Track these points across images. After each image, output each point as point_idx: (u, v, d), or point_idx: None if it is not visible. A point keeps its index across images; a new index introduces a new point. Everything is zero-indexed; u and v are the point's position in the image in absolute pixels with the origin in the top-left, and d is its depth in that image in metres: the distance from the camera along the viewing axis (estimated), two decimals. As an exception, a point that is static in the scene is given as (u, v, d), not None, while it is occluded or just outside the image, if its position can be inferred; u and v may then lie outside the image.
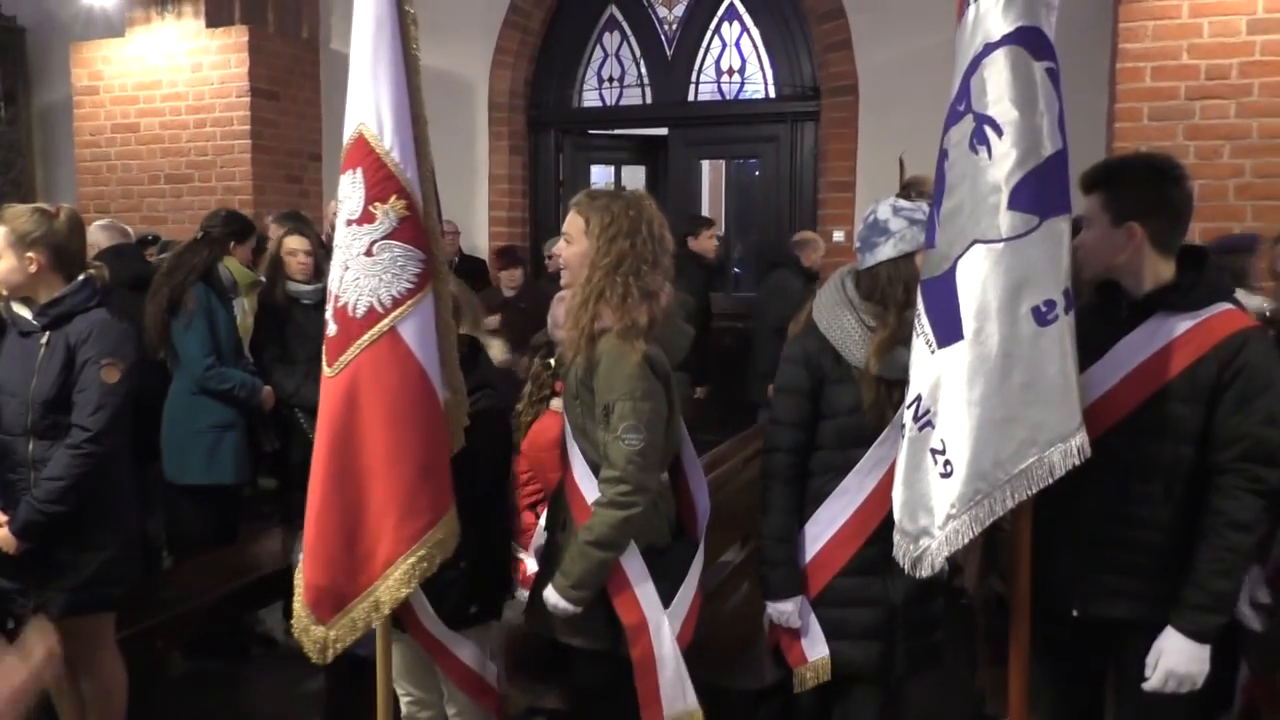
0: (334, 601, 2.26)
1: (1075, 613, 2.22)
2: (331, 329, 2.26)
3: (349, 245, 2.21)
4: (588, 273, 2.37)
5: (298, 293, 4.30)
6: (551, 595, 2.37)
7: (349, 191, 2.22)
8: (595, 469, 2.38)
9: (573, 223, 2.44)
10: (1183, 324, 2.10)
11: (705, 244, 6.08)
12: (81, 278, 2.82)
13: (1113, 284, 2.21)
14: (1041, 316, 1.96)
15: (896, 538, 2.15)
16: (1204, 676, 2.07)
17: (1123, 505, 2.15)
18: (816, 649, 2.41)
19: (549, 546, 2.53)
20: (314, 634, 2.29)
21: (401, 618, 2.50)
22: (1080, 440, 1.97)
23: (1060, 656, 2.35)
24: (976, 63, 2.01)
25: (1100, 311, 2.20)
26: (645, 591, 2.38)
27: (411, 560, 2.20)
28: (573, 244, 2.44)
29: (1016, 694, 2.24)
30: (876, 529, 2.34)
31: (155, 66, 6.96)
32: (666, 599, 2.40)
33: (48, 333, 2.76)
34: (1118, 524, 2.16)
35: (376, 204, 2.18)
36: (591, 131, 7.55)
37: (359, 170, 2.20)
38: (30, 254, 2.75)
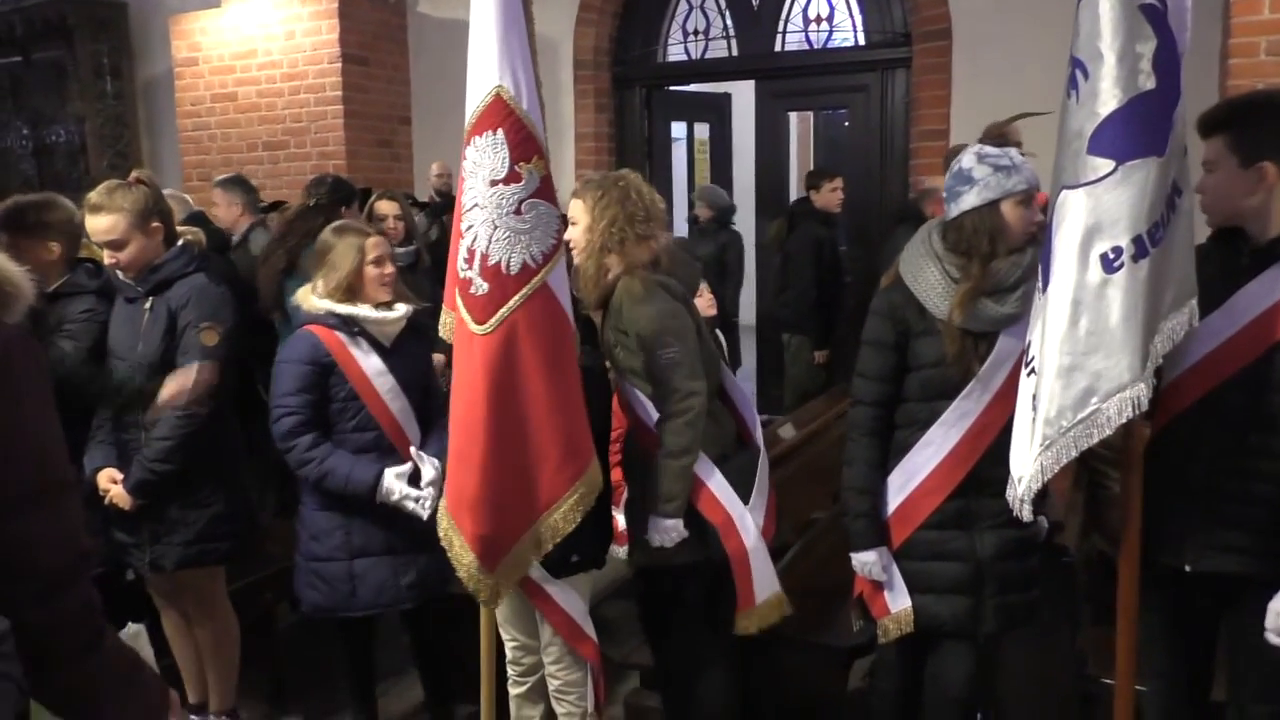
0: (497, 549, 2.37)
1: (1187, 568, 2.16)
2: (481, 288, 2.31)
3: (497, 205, 2.27)
4: (589, 237, 2.59)
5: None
6: (655, 524, 2.53)
7: (488, 153, 2.28)
8: (652, 400, 2.57)
9: (574, 206, 2.66)
10: None
11: (828, 198, 5.88)
12: (180, 244, 2.91)
13: (1231, 231, 2.10)
14: (1109, 264, 1.92)
15: (1010, 481, 2.14)
16: None
17: (1240, 459, 2.09)
18: (899, 601, 2.43)
19: (643, 486, 2.62)
20: (485, 584, 2.40)
21: None
22: (1138, 392, 1.92)
23: (1171, 615, 2.29)
24: (1079, 5, 1.96)
25: (1219, 259, 2.11)
26: (724, 492, 2.59)
27: (574, 498, 2.35)
28: (577, 224, 2.63)
29: (1124, 653, 2.19)
30: (961, 483, 2.34)
31: (250, 36, 7.11)
32: (745, 497, 2.61)
33: (150, 298, 2.86)
34: (1234, 478, 2.10)
35: (521, 164, 2.27)
36: (673, 88, 7.47)
37: (499, 131, 2.26)
38: (155, 224, 2.85)
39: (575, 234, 2.64)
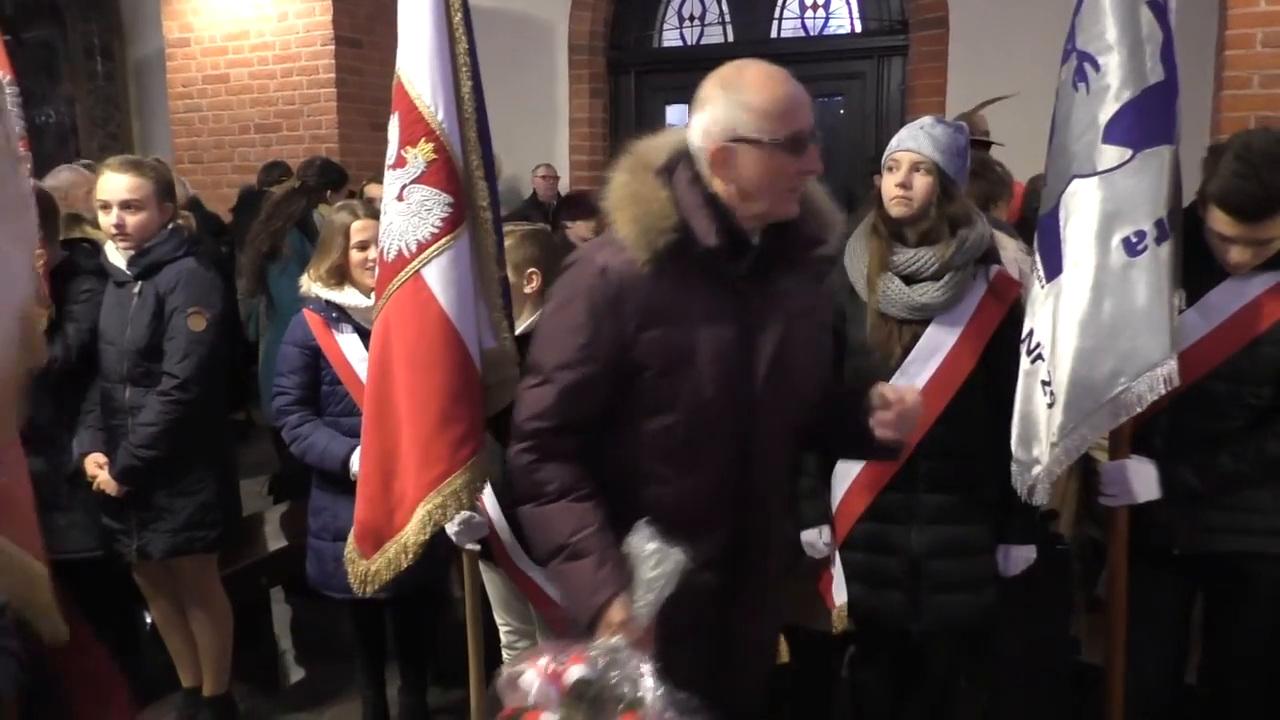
0: (374, 538, 2.31)
1: (1176, 551, 2.23)
2: (375, 273, 2.32)
3: (386, 190, 2.24)
4: None
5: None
6: None
7: (391, 137, 2.23)
8: None
9: None
10: (1271, 277, 2.10)
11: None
12: (170, 227, 2.88)
13: (1194, 224, 2.12)
14: (1132, 247, 1.97)
15: (1014, 468, 2.18)
16: None
17: (1222, 445, 2.16)
18: (841, 595, 2.42)
19: None
20: (358, 567, 2.35)
21: (495, 552, 2.57)
22: (1169, 369, 1.97)
23: (1151, 599, 2.33)
24: (1080, 0, 2.03)
25: (1185, 253, 2.14)
26: None
27: (429, 508, 2.20)
28: None
29: (1115, 633, 2.23)
30: (899, 476, 2.29)
31: (242, 17, 7.06)
32: None
33: (139, 282, 2.84)
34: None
35: (407, 148, 2.18)
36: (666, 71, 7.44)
37: (396, 114, 2.21)
38: (169, 203, 2.85)
39: None
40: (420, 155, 2.17)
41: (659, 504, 1.67)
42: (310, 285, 2.83)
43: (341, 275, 2.80)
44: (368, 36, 7.07)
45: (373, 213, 2.86)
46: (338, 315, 2.80)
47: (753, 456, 1.74)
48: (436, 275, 2.18)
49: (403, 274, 2.19)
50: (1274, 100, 4.21)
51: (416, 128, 2.18)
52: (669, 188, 1.66)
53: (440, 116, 2.19)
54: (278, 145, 7.01)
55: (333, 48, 6.81)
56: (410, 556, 2.28)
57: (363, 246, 2.77)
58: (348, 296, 2.79)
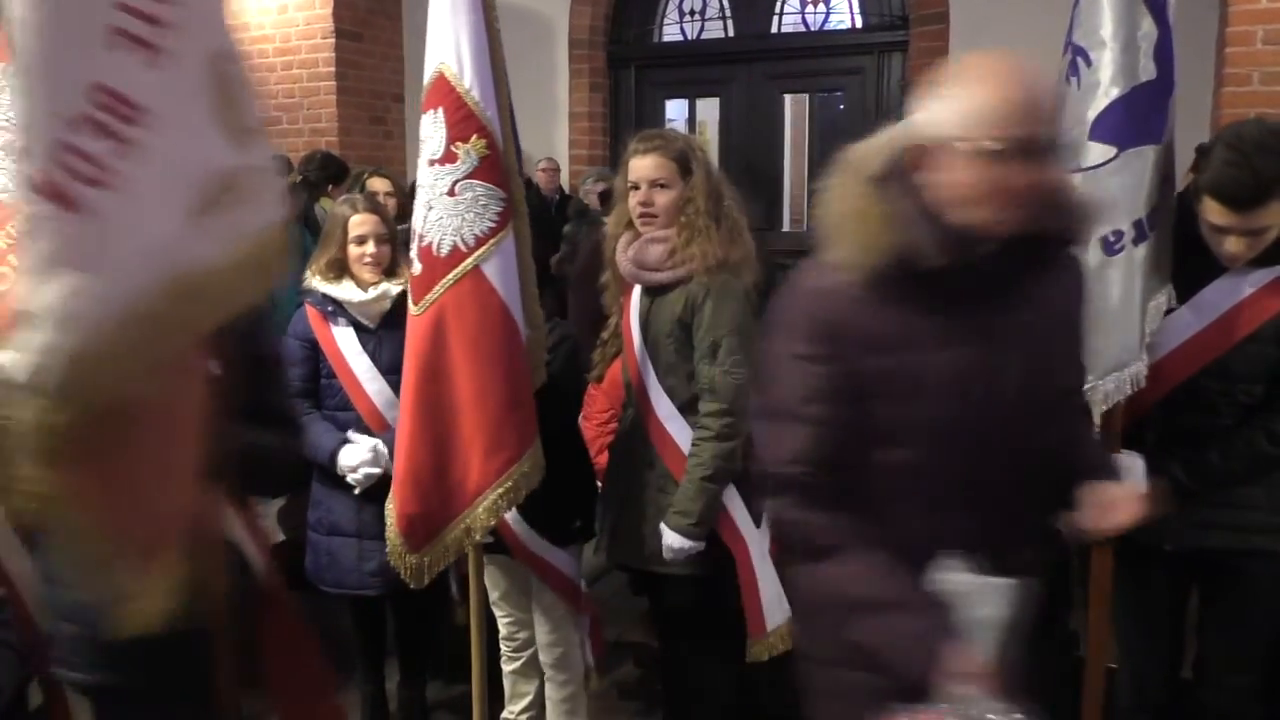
0: (426, 529, 2.36)
1: (1167, 548, 2.23)
2: (416, 268, 2.33)
3: (432, 185, 2.26)
4: (690, 209, 2.37)
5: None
6: (674, 539, 2.38)
7: (430, 131, 2.26)
8: (683, 407, 2.42)
9: (664, 167, 2.39)
10: (1264, 275, 2.10)
11: None
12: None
13: (1191, 220, 2.13)
14: (1109, 246, 2.00)
15: None
16: None
17: (1213, 440, 2.16)
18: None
19: (634, 484, 2.54)
20: (409, 561, 2.40)
21: (504, 539, 2.60)
22: (1137, 369, 2.00)
23: (1144, 594, 2.35)
24: None
25: (1189, 253, 2.14)
26: (741, 515, 2.45)
27: (499, 492, 2.29)
28: (670, 188, 2.39)
29: (1096, 629, 2.27)
30: None
31: (242, 9, 7.04)
32: (757, 520, 2.46)
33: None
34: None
35: (458, 144, 2.22)
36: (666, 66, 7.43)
37: (440, 110, 2.24)
38: None
39: (664, 201, 2.38)
40: (473, 151, 2.22)
41: (890, 547, 1.51)
42: (311, 279, 2.84)
43: (340, 269, 2.81)
44: (368, 30, 7.06)
45: (372, 207, 2.86)
46: (333, 309, 2.80)
47: (998, 499, 1.54)
48: (495, 269, 2.25)
49: (460, 268, 2.24)
50: (1274, 98, 4.21)
51: (468, 124, 2.22)
52: (886, 199, 1.49)
53: (489, 113, 2.24)
54: (277, 138, 6.98)
55: (333, 41, 6.80)
56: (474, 539, 2.36)
57: (361, 241, 2.77)
58: (344, 290, 2.78)
